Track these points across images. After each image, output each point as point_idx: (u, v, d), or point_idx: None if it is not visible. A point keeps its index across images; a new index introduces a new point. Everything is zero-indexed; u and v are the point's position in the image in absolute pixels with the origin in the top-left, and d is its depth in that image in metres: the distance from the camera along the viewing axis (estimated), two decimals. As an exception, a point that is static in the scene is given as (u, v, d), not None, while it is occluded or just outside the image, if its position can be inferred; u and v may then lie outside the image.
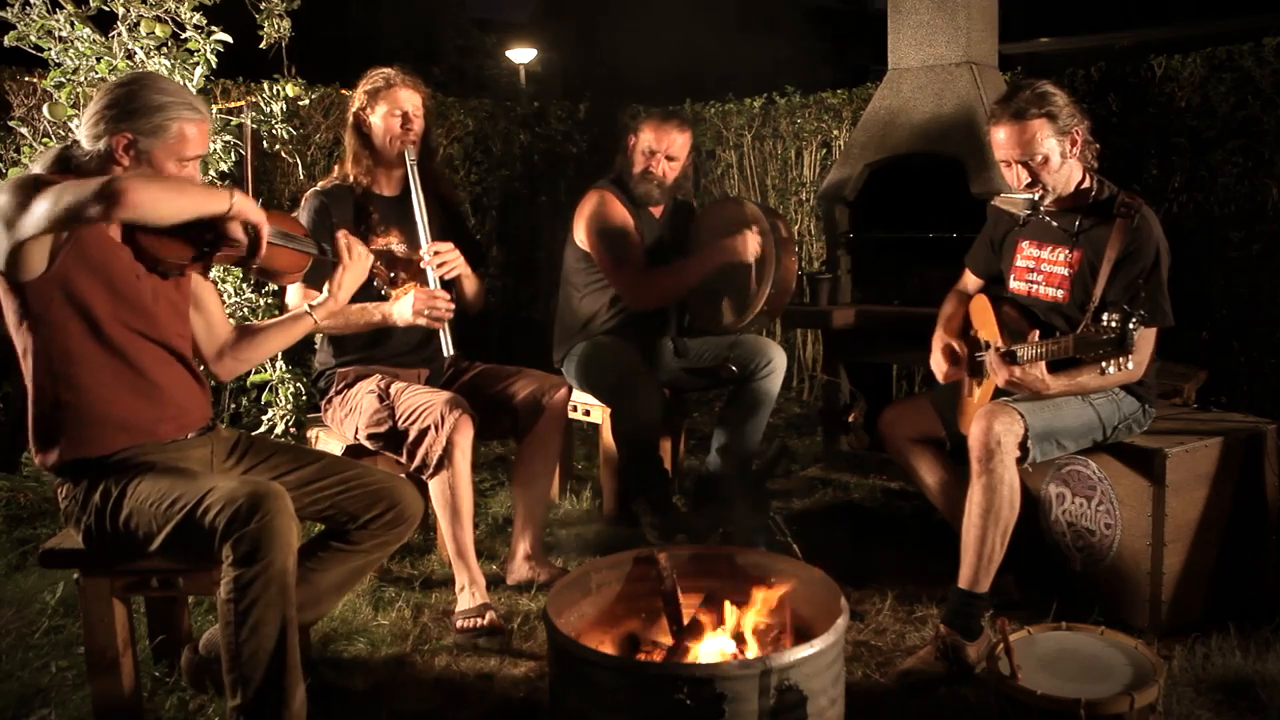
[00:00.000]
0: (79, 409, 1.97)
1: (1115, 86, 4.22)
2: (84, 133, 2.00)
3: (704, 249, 3.28)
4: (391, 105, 2.78)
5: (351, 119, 2.84)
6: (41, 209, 1.78)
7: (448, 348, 2.66)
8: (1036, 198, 2.47)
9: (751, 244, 3.16)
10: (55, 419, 1.98)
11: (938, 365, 2.67)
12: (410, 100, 2.81)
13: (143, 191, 1.83)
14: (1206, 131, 4.01)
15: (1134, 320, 2.07)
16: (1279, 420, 2.69)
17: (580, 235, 3.33)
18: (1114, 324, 2.10)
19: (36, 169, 1.99)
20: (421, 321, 2.66)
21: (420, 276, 2.75)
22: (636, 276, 3.26)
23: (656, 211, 3.43)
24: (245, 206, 2.01)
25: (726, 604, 2.11)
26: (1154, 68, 4.14)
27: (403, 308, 2.67)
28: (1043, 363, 2.33)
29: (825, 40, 17.19)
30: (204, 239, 2.05)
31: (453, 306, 2.68)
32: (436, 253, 2.71)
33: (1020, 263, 2.62)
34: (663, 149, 3.28)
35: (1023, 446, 2.35)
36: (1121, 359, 2.11)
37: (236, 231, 2.03)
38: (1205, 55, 4.03)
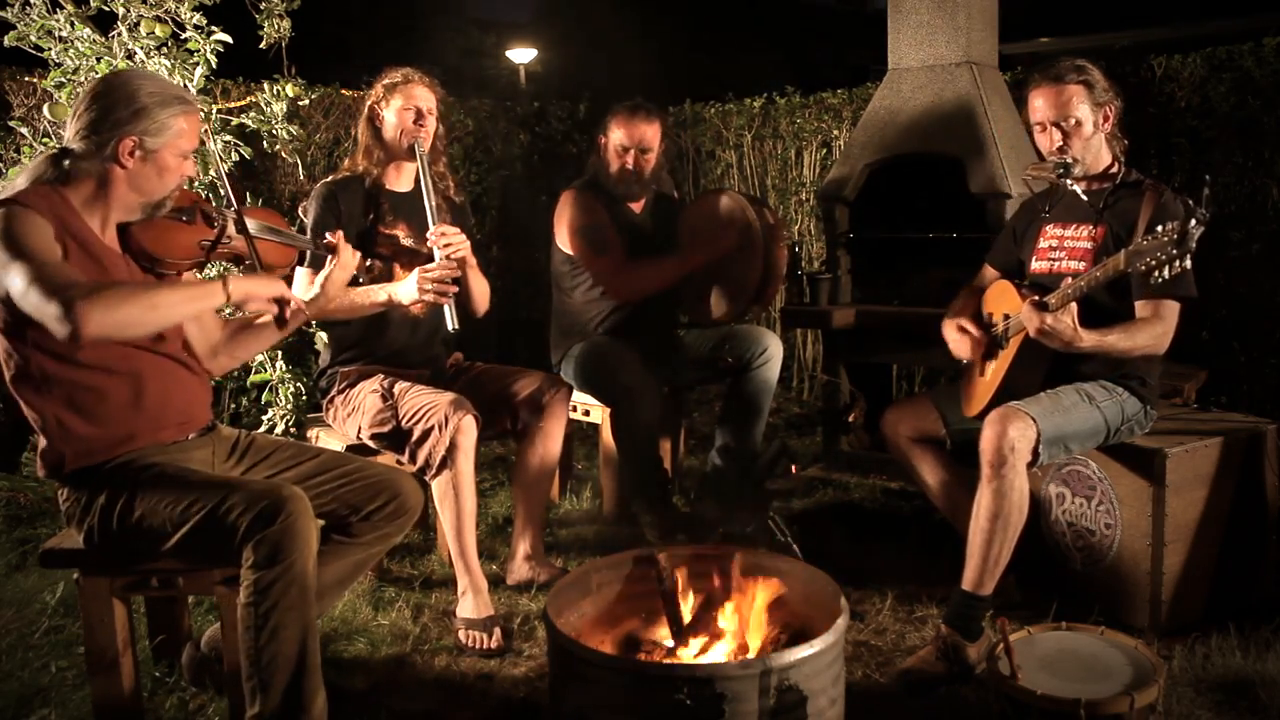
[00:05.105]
0: (81, 427, 1.95)
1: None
2: (76, 138, 1.95)
3: (686, 247, 3.31)
4: (406, 100, 2.82)
5: (366, 111, 2.88)
6: (15, 285, 1.75)
7: (452, 322, 2.63)
8: (1069, 160, 2.46)
9: (728, 237, 3.17)
10: (57, 436, 1.96)
11: (956, 343, 2.64)
12: (425, 98, 2.85)
13: (112, 314, 1.74)
14: (1206, 131, 4.01)
15: (1194, 220, 1.98)
16: (1279, 420, 2.69)
17: (561, 237, 3.36)
18: (1172, 228, 2.02)
19: (21, 182, 1.94)
20: (428, 297, 2.65)
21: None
22: (616, 266, 3.27)
23: (637, 206, 3.44)
24: (247, 289, 1.98)
25: (726, 604, 2.11)
26: (1154, 68, 4.14)
27: (408, 285, 2.67)
28: (1073, 307, 2.29)
29: (825, 40, 17.17)
30: (202, 241, 2.09)
31: (455, 287, 2.67)
32: (442, 233, 2.71)
33: (1043, 244, 2.63)
34: (635, 143, 3.29)
35: (1034, 451, 2.34)
36: (1180, 262, 2.01)
37: (230, 247, 2.13)
38: (1205, 55, 4.03)
